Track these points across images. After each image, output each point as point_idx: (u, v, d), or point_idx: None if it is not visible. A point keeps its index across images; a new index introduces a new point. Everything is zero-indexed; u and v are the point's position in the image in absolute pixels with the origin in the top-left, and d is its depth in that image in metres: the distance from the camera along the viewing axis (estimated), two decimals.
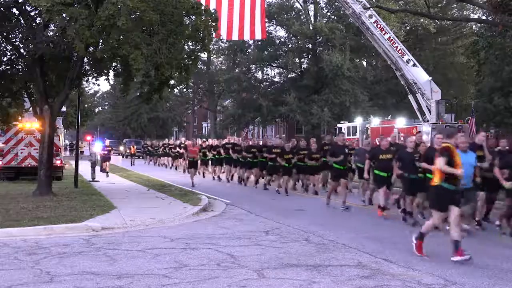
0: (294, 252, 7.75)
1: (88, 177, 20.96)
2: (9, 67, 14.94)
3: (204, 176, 23.59)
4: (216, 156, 22.21)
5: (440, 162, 7.52)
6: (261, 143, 20.90)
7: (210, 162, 23.52)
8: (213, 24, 13.99)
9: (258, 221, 10.91)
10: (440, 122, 24.49)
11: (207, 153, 22.61)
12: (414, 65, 25.48)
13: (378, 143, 13.24)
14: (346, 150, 13.35)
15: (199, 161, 21.78)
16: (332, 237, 8.95)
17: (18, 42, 14.53)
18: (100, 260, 7.13)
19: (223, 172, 22.25)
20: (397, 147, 12.53)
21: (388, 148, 11.91)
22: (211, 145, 23.03)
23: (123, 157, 48.13)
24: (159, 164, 36.06)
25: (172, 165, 31.61)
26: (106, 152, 24.87)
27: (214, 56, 55.24)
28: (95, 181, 20.12)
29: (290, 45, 46.36)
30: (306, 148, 17.02)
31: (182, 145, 27.26)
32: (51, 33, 14.39)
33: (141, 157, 43.25)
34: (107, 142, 27.64)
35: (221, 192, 16.45)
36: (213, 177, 22.65)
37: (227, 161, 21.26)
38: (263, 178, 18.69)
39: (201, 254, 7.58)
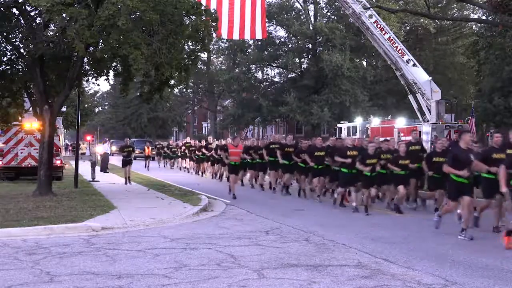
0: (294, 252, 7.75)
1: (88, 177, 20.97)
2: (9, 67, 14.93)
3: (243, 184, 19.19)
4: (258, 160, 17.82)
5: None
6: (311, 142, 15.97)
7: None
8: (213, 24, 13.98)
9: (258, 221, 10.90)
10: (440, 122, 24.51)
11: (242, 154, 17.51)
12: (414, 65, 25.47)
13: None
14: (472, 156, 9.27)
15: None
16: (332, 237, 8.94)
17: (18, 42, 14.53)
18: (100, 260, 7.13)
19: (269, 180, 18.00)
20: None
21: (503, 145, 8.85)
22: (249, 146, 18.39)
23: None
24: (179, 168, 30.87)
25: (199, 171, 26.03)
26: (125, 154, 20.35)
27: (214, 56, 55.30)
28: (95, 181, 20.12)
29: (290, 45, 46.40)
30: (389, 150, 13.13)
31: (218, 144, 21.83)
32: (51, 33, 14.40)
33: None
34: (127, 141, 22.06)
35: (221, 192, 16.44)
36: (252, 184, 18.79)
37: (272, 165, 16.92)
38: (327, 189, 14.77)
39: (201, 254, 7.58)
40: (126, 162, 20.12)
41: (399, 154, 12.61)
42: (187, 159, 28.65)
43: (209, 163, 23.94)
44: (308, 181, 15.31)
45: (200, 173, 25.91)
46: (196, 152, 25.63)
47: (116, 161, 37.22)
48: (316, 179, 14.63)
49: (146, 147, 32.71)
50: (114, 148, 51.19)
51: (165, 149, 33.91)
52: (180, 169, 30.44)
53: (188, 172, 28.26)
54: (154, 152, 35.68)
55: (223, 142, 21.88)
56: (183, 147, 29.11)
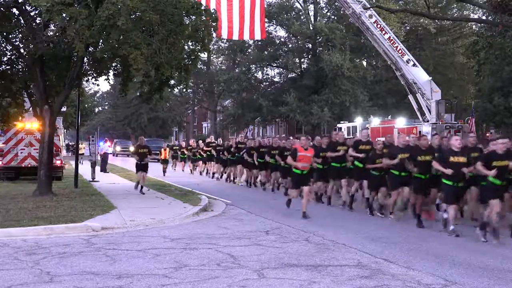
0: (294, 252, 7.75)
1: (88, 177, 20.97)
2: (9, 67, 14.95)
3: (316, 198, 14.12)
4: (319, 166, 13.28)
5: None
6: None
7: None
8: (213, 24, 13.99)
9: (258, 221, 10.90)
10: (440, 122, 24.53)
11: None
12: (414, 65, 25.51)
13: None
14: None
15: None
16: (332, 237, 8.94)
17: (18, 42, 14.54)
18: (100, 260, 7.13)
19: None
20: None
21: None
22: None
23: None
24: (200, 172, 26.05)
25: (232, 179, 20.69)
26: (146, 158, 16.09)
27: (214, 56, 55.30)
28: (95, 181, 20.12)
29: (290, 45, 46.43)
30: (473, 148, 10.06)
31: (278, 145, 16.61)
32: (51, 33, 14.40)
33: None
34: (143, 140, 17.24)
35: (221, 192, 16.44)
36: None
37: (337, 172, 13.08)
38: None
39: (201, 254, 7.58)
40: (141, 167, 15.94)
41: (497, 153, 8.89)
42: (212, 162, 23.69)
43: (248, 168, 18.86)
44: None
45: (232, 178, 20.80)
46: (225, 153, 20.72)
47: (119, 161, 37.28)
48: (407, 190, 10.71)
49: (163, 149, 26.56)
50: (118, 148, 50.99)
51: (184, 150, 29.02)
52: (201, 174, 25.74)
53: (213, 177, 23.23)
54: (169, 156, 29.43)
55: (284, 143, 16.67)
56: (205, 147, 24.19)
